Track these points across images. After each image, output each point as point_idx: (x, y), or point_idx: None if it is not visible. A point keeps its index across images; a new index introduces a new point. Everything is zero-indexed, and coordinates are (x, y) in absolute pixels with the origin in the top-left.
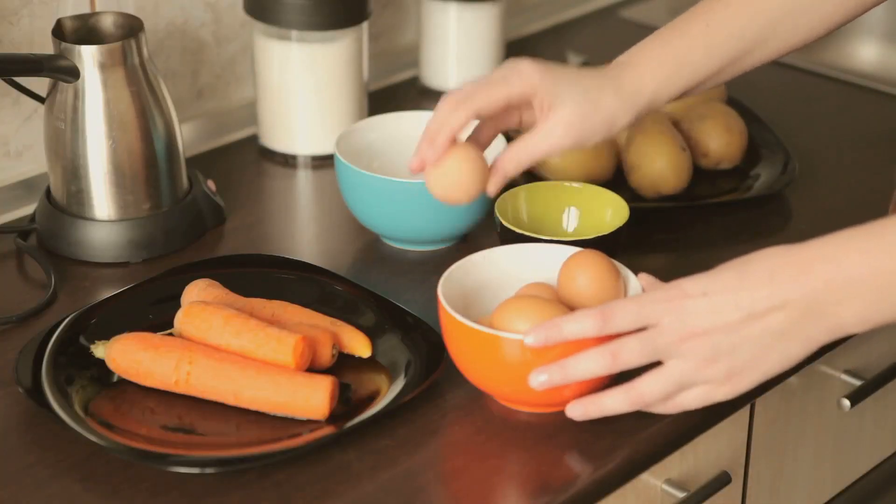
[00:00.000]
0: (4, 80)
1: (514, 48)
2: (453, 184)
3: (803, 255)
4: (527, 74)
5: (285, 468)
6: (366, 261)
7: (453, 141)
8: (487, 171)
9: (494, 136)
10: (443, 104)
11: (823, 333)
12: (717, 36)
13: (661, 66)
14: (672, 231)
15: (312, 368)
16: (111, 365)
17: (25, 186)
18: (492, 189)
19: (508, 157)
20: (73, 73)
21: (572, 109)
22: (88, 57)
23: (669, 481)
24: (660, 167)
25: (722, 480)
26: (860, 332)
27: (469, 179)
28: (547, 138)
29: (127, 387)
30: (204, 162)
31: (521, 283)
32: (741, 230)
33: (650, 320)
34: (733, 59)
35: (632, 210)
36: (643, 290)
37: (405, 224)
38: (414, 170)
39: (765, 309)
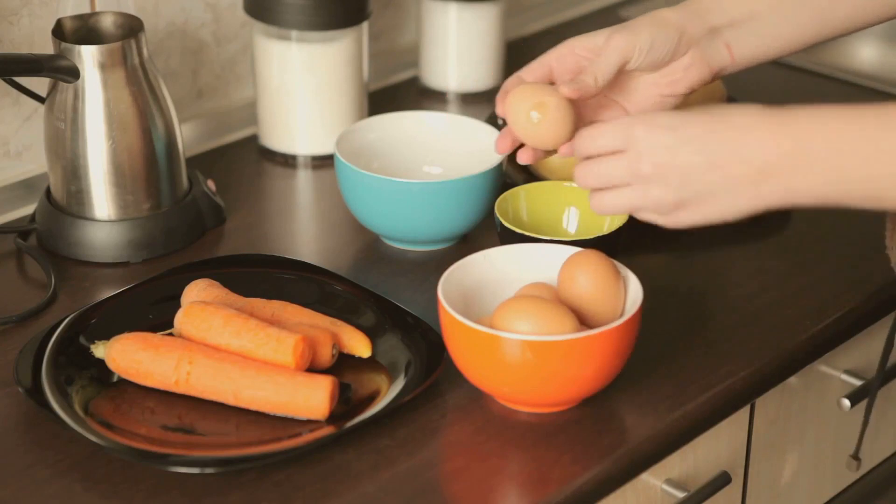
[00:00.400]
0: (4, 80)
1: (514, 48)
2: (520, 116)
3: (776, 120)
4: (565, 43)
5: (285, 468)
6: (366, 261)
7: None
8: (550, 91)
9: None
10: None
11: (774, 196)
12: None
13: None
14: (672, 231)
15: (312, 368)
16: (111, 365)
17: (25, 186)
18: (567, 91)
19: (589, 70)
20: (73, 73)
21: (612, 29)
22: (88, 57)
23: (669, 481)
24: None
25: (722, 480)
26: (809, 204)
27: (533, 99)
28: (605, 51)
29: (127, 387)
30: (204, 162)
31: (521, 283)
32: (741, 230)
33: (624, 144)
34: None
35: None
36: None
37: (405, 224)
38: (500, 147)
39: (727, 160)
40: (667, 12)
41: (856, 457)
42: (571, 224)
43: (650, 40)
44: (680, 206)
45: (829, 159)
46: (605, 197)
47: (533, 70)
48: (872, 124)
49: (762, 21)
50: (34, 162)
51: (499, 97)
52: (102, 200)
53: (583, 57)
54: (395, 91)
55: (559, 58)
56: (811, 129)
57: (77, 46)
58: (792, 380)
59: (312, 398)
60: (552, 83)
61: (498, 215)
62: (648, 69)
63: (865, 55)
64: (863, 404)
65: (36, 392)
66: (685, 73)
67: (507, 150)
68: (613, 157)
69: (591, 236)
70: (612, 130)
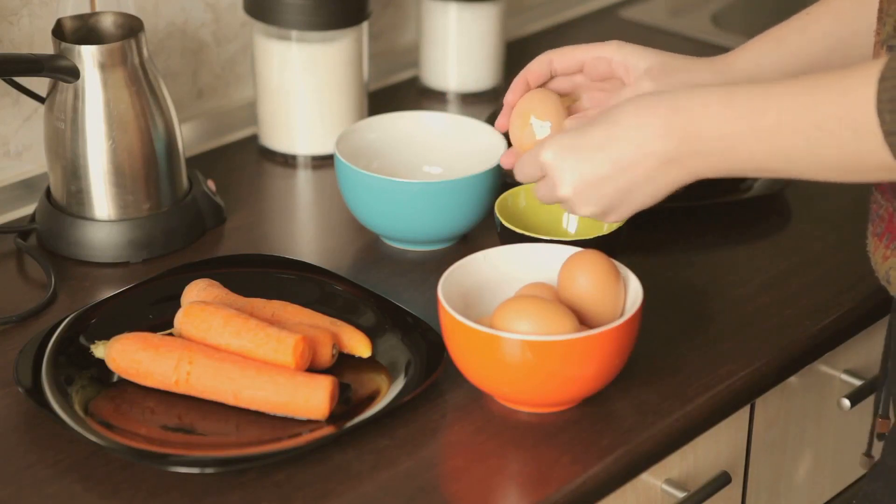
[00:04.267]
0: (4, 80)
1: (514, 48)
2: (524, 122)
3: (665, 110)
4: (607, 43)
5: (285, 468)
6: (366, 261)
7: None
8: (561, 111)
9: (569, 92)
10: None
11: (683, 177)
12: (818, 20)
13: (754, 42)
14: (672, 231)
15: (312, 368)
16: (111, 365)
17: (25, 186)
18: (571, 125)
19: (599, 104)
20: (73, 73)
21: (652, 61)
22: (88, 57)
23: (669, 481)
24: None
25: (722, 480)
26: (714, 177)
27: (541, 112)
28: (629, 90)
29: (127, 387)
30: (204, 162)
31: (521, 283)
32: (741, 231)
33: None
34: (832, 47)
35: None
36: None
37: (405, 224)
38: (500, 126)
39: (633, 161)
40: (706, 73)
41: (868, 454)
42: (571, 224)
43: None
44: (608, 212)
45: (716, 142)
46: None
47: (565, 53)
48: (745, 106)
49: (784, 68)
50: (34, 162)
51: (515, 95)
52: (102, 200)
53: (614, 72)
54: (395, 91)
55: (594, 60)
56: (696, 115)
57: (77, 46)
58: (792, 380)
59: (312, 398)
60: (579, 72)
61: (498, 215)
62: None
63: None
64: (863, 405)
65: (36, 392)
66: None
67: (512, 165)
68: (541, 182)
69: (591, 236)
70: (528, 161)
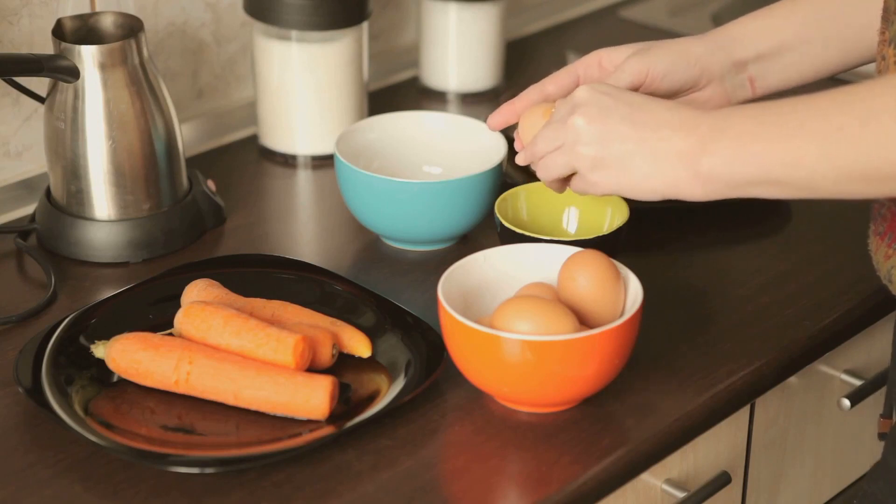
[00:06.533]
0: (4, 80)
1: (514, 48)
2: (537, 121)
3: (702, 112)
4: (593, 53)
5: (285, 468)
6: (366, 261)
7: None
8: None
9: None
10: None
11: (683, 179)
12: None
13: (744, 16)
14: (672, 231)
15: (312, 368)
16: (111, 365)
17: (25, 186)
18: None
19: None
20: (73, 73)
21: (640, 47)
22: (88, 57)
23: (669, 481)
24: None
25: (722, 480)
26: (713, 184)
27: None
28: (618, 71)
29: (127, 387)
30: (204, 162)
31: (521, 283)
32: (741, 231)
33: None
34: (825, 16)
35: (632, 210)
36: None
37: (405, 224)
38: (493, 124)
39: (650, 134)
40: (694, 44)
41: None
42: (571, 224)
43: (666, 70)
44: (598, 166)
45: (736, 139)
46: (547, 160)
47: (559, 79)
48: (774, 110)
49: (789, 53)
50: (34, 162)
51: (507, 106)
52: (102, 200)
53: (607, 71)
54: (395, 91)
55: (585, 68)
56: (727, 116)
57: (77, 46)
58: (792, 380)
59: (312, 398)
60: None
61: (498, 215)
62: (663, 94)
63: None
64: (863, 405)
65: (36, 392)
66: (704, 104)
67: (499, 127)
68: (559, 120)
69: (591, 236)
70: (565, 100)
